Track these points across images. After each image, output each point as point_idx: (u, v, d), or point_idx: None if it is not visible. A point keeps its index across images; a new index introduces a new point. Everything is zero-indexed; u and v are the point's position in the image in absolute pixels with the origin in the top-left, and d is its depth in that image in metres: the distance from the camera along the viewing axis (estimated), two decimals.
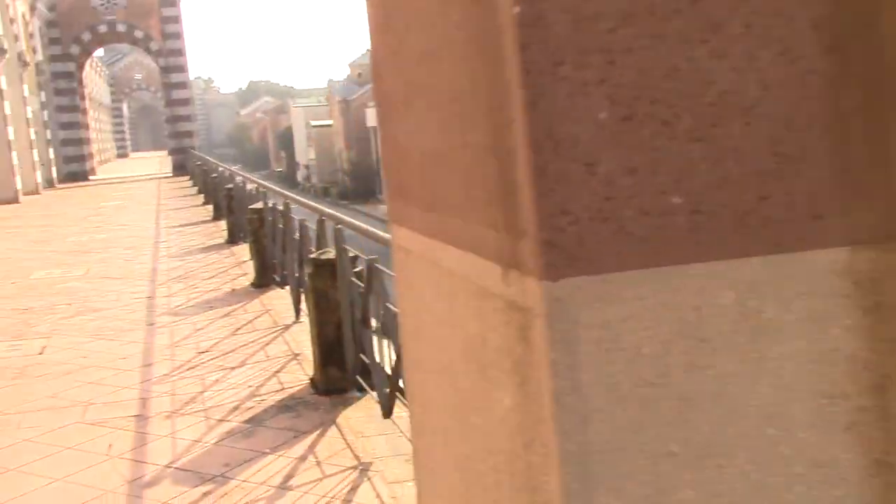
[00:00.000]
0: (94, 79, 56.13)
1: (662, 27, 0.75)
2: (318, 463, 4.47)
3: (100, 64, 63.23)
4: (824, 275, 0.78)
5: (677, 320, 0.76)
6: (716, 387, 0.77)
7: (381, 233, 5.42)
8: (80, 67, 39.69)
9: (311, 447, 4.69)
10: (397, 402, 4.77)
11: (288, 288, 8.41)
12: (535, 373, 0.78)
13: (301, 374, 6.02)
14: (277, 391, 5.70)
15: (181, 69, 39.51)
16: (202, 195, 20.84)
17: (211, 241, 13.59)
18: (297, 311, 7.68)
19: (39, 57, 34.07)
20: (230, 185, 13.96)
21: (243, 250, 11.43)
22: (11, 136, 24.77)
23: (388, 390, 4.84)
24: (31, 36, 32.33)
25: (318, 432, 4.89)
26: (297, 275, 7.70)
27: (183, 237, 14.52)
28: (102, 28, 38.36)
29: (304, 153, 61.89)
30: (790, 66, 0.77)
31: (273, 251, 9.16)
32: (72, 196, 27.36)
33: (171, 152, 40.29)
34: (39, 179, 29.04)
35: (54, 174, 33.01)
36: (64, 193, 29.08)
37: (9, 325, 8.36)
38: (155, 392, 5.89)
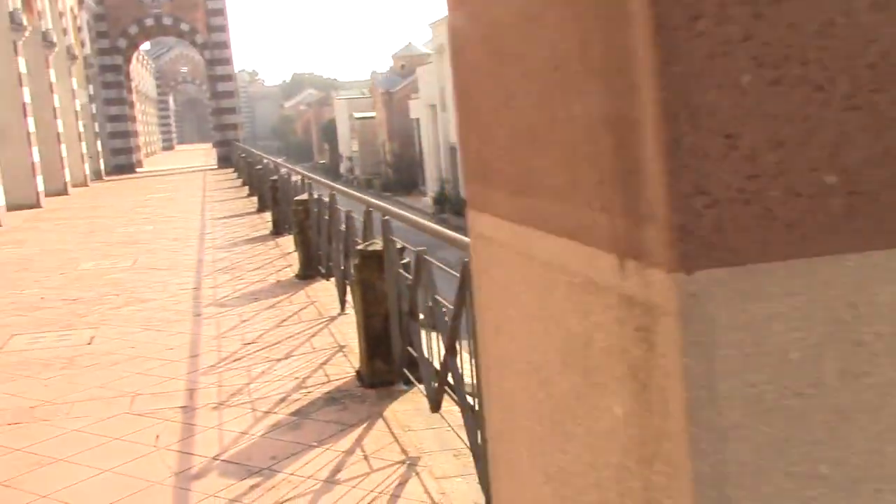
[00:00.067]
0: (141, 72, 56.86)
1: None
2: (366, 457, 4.41)
3: (146, 57, 64.03)
4: None
5: (830, 320, 0.65)
6: (875, 398, 0.66)
7: (430, 224, 5.34)
8: (128, 61, 40.20)
9: (358, 440, 4.63)
10: (445, 397, 4.69)
11: (332, 280, 8.38)
12: (660, 380, 0.67)
13: (347, 366, 5.96)
14: (323, 383, 5.65)
15: (226, 62, 39.81)
16: (247, 187, 20.96)
17: (256, 233, 13.63)
18: (343, 302, 7.64)
19: (87, 50, 34.58)
20: (275, 177, 13.99)
21: (288, 242, 11.43)
22: (60, 129, 25.10)
23: (436, 384, 4.76)
24: (79, 30, 32.79)
25: (364, 425, 4.84)
26: (342, 266, 7.66)
27: (228, 229, 14.60)
28: (149, 21, 38.82)
29: (348, 145, 62.05)
30: None
31: (318, 242, 9.13)
32: (119, 188, 27.74)
33: (216, 144, 40.67)
34: (88, 171, 29.46)
35: (102, 166, 33.47)
36: (111, 185, 29.50)
37: (58, 315, 8.44)
38: (202, 383, 5.88)
